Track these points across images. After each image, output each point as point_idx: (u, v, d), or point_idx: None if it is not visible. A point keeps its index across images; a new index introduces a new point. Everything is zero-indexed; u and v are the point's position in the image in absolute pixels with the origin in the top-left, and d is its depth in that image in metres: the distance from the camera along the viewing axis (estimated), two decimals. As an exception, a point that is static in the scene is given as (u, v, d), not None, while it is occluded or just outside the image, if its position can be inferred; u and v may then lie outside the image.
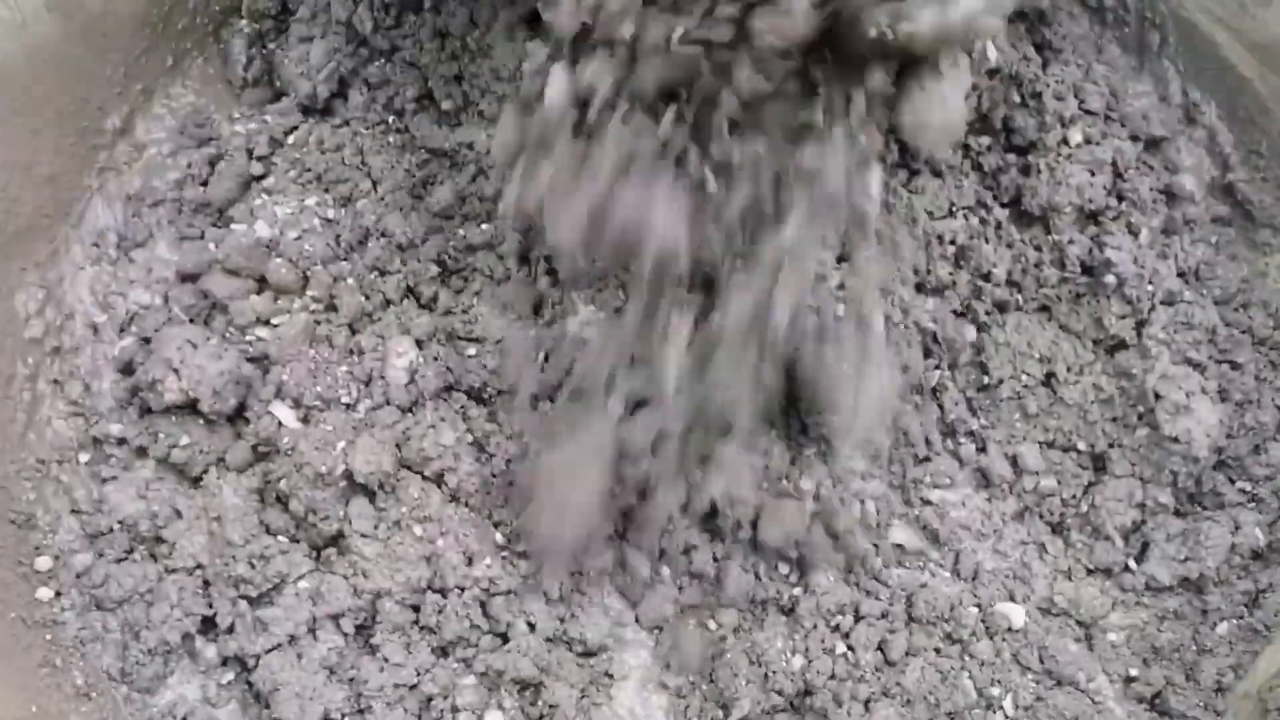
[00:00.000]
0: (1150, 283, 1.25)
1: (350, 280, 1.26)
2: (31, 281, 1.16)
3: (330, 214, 1.29)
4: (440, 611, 1.15)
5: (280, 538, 1.16)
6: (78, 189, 1.20)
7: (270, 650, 1.13)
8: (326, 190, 1.30)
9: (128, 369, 1.20)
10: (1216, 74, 1.27)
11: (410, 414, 1.21)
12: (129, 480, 1.16)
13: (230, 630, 1.14)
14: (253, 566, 1.13)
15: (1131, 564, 1.23)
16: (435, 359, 1.23)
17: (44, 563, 1.12)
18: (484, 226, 1.27)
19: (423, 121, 1.32)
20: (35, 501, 1.14)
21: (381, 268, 1.26)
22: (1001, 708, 1.17)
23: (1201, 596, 1.22)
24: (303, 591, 1.15)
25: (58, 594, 1.12)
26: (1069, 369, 1.27)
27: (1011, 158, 1.28)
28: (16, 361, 1.15)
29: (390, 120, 1.34)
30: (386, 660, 1.14)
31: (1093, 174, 1.25)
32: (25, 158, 1.14)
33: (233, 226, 1.28)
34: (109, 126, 1.22)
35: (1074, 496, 1.26)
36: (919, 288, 1.27)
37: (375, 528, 1.17)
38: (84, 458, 1.18)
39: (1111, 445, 1.26)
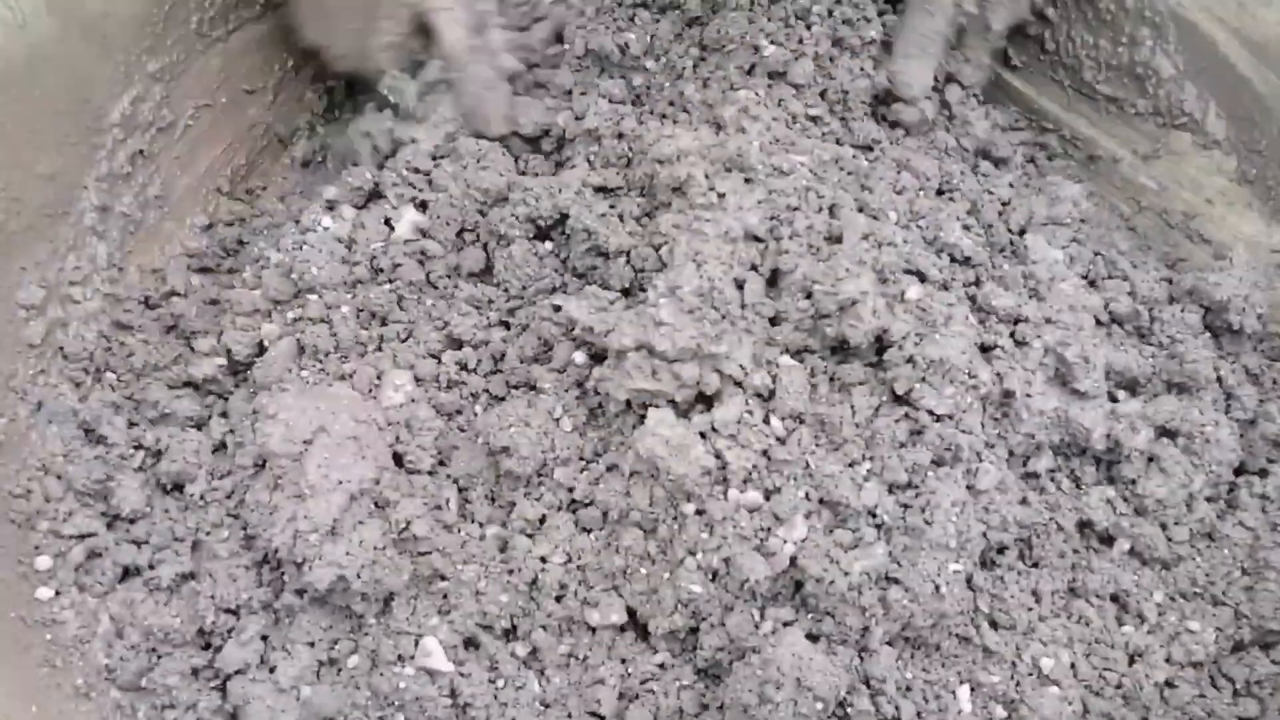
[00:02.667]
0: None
1: (346, 310, 1.24)
2: (31, 281, 1.16)
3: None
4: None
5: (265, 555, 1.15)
6: (77, 189, 1.20)
7: (243, 669, 1.12)
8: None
9: (128, 371, 1.21)
10: (1216, 74, 1.27)
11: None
12: (127, 482, 1.16)
13: (211, 645, 1.13)
14: (233, 579, 1.13)
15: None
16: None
17: (44, 562, 1.12)
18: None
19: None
20: (36, 502, 1.14)
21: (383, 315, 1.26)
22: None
23: (1223, 605, 1.21)
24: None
25: (57, 593, 1.12)
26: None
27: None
28: (17, 361, 1.15)
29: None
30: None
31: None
32: (25, 157, 1.14)
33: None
34: (109, 126, 1.22)
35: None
36: None
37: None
38: (84, 458, 1.17)
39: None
